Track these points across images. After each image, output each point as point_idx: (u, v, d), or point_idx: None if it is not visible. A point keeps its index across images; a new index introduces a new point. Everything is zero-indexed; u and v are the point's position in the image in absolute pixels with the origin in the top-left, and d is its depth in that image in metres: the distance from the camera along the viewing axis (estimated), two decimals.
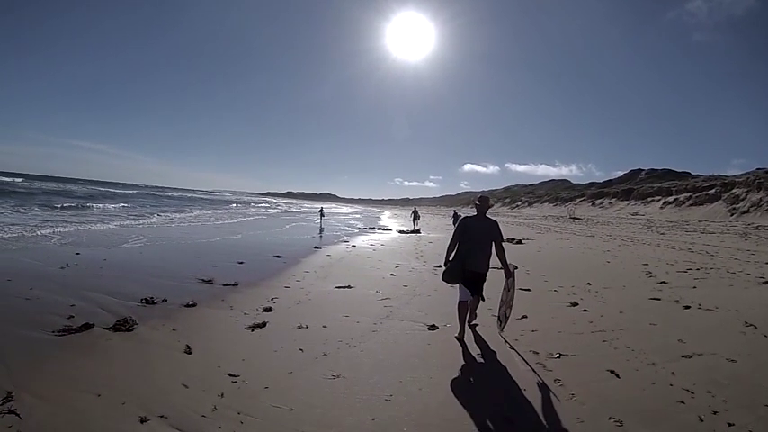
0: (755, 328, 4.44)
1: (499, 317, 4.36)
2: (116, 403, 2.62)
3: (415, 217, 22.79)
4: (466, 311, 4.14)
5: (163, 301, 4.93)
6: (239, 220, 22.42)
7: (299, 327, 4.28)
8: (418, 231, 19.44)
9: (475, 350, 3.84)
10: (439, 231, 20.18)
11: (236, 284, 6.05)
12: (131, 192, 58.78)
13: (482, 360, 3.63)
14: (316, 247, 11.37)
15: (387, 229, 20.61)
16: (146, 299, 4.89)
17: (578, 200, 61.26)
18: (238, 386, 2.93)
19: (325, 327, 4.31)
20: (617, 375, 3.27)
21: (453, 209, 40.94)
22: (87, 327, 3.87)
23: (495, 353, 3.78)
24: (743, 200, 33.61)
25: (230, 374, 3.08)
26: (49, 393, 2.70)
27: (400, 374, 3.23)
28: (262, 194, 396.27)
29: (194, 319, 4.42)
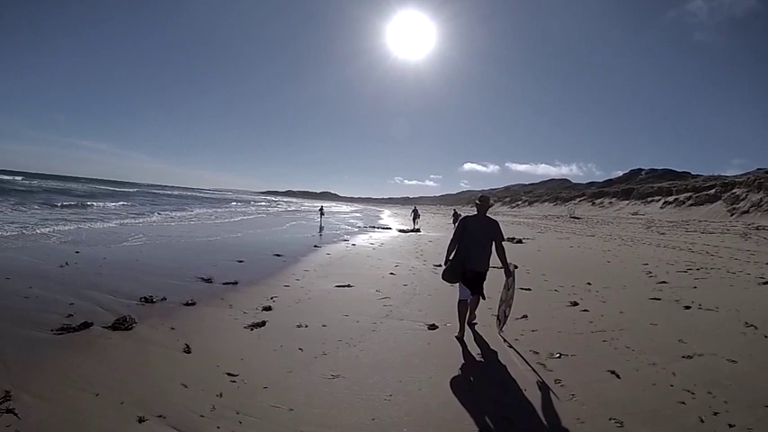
0: (756, 328, 4.43)
1: (499, 316, 4.35)
2: (114, 403, 2.61)
3: (415, 216, 22.77)
4: (466, 311, 4.14)
5: (162, 299, 4.91)
6: (239, 218, 22.42)
7: (299, 326, 4.27)
8: (418, 230, 19.43)
9: (475, 350, 3.83)
10: (439, 230, 20.17)
11: (236, 283, 6.04)
12: (132, 190, 58.81)
13: (482, 360, 3.62)
14: (315, 246, 11.37)
15: (387, 228, 20.62)
16: (145, 298, 4.88)
17: (578, 199, 61.18)
18: (237, 386, 2.92)
19: (324, 326, 4.30)
20: (617, 376, 3.26)
21: (453, 208, 40.93)
22: (86, 326, 3.86)
23: (495, 352, 3.77)
24: (743, 200, 33.55)
25: (229, 374, 3.07)
26: (47, 393, 2.69)
27: (400, 374, 3.22)
28: (262, 193, 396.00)
29: (193, 318, 4.41)
